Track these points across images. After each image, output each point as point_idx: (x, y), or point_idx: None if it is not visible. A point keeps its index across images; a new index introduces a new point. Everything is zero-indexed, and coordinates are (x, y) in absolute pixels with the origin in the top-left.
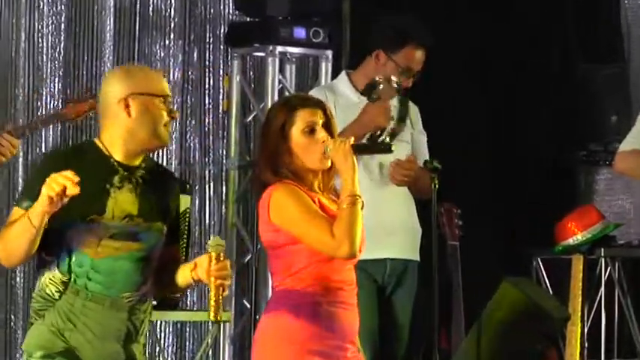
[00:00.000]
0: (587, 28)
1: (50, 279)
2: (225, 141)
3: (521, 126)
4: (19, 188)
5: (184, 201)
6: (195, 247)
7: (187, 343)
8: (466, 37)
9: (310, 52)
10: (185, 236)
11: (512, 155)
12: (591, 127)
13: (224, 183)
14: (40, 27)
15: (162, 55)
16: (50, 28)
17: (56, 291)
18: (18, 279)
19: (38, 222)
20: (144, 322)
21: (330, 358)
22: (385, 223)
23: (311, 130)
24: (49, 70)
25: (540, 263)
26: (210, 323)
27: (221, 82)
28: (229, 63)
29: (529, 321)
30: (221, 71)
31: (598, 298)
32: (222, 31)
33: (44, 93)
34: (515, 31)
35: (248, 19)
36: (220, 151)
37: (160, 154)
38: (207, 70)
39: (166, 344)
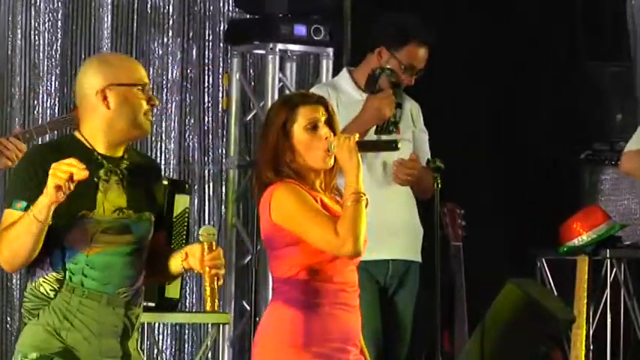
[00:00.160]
0: (592, 26)
1: (44, 278)
2: (224, 140)
3: (526, 125)
4: None
5: (183, 201)
6: None
7: (186, 346)
8: (468, 35)
9: (311, 49)
10: (184, 237)
11: (516, 155)
12: (596, 126)
13: (223, 183)
14: (36, 24)
15: (161, 52)
16: (47, 25)
17: (51, 290)
18: (14, 280)
19: (44, 216)
20: (138, 316)
21: None
22: (388, 223)
23: (313, 127)
24: (45, 68)
25: (545, 264)
26: (209, 325)
27: (220, 81)
28: (229, 61)
29: (533, 323)
30: (220, 69)
31: (603, 299)
32: (221, 28)
33: (41, 91)
34: (519, 29)
35: (248, 17)
36: (220, 151)
37: (159, 153)
38: (206, 68)
39: (165, 346)
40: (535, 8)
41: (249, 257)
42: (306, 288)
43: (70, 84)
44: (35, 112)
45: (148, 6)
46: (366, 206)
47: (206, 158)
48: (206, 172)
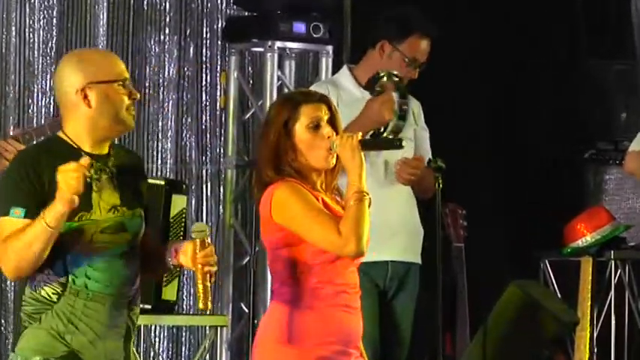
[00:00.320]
0: (595, 24)
1: (45, 281)
2: (222, 139)
3: (529, 124)
4: None
5: (180, 201)
6: None
7: (183, 349)
8: (468, 34)
9: (310, 47)
10: (181, 237)
11: (519, 154)
12: (600, 125)
13: (221, 183)
14: (31, 22)
15: (158, 50)
16: (42, 22)
17: (53, 293)
18: (9, 282)
19: (59, 223)
20: (138, 316)
21: None
22: (388, 223)
23: (316, 126)
24: (40, 67)
25: (548, 265)
26: (207, 328)
27: (218, 79)
28: (227, 59)
29: (536, 325)
30: (218, 67)
31: (607, 301)
32: (219, 25)
33: (35, 90)
34: (520, 28)
35: (246, 14)
36: (217, 150)
37: (156, 152)
38: (203, 66)
39: (161, 349)
40: (537, 6)
41: (248, 258)
42: (307, 289)
43: None
44: (30, 110)
45: (145, 3)
46: (369, 206)
47: (203, 158)
48: (203, 171)
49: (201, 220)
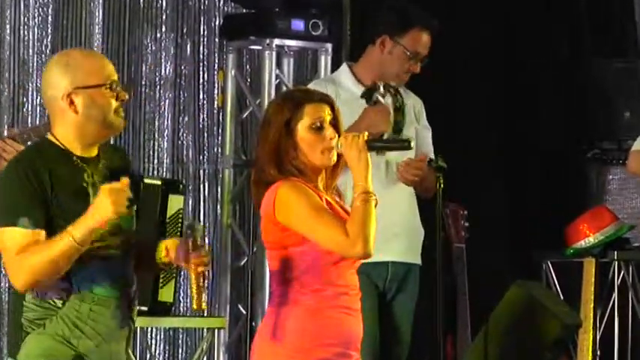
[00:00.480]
0: (598, 22)
1: (48, 287)
2: (219, 138)
3: (530, 123)
4: None
5: (177, 201)
6: None
7: (180, 351)
8: (470, 32)
9: (309, 45)
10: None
11: (521, 154)
12: (603, 124)
13: (219, 182)
14: (25, 19)
15: (154, 48)
16: (36, 20)
17: (58, 299)
18: (2, 283)
19: (87, 240)
20: (136, 317)
21: None
22: (390, 224)
23: (318, 127)
24: (35, 65)
25: (550, 267)
26: (204, 330)
27: (215, 77)
28: (224, 57)
29: (538, 327)
30: (215, 65)
31: (611, 303)
32: (216, 23)
33: (30, 88)
34: (524, 26)
35: (244, 11)
36: (215, 149)
37: (152, 152)
38: (200, 64)
39: (157, 352)
40: (539, 5)
41: (245, 259)
42: (308, 291)
43: None
44: (24, 109)
45: (141, 0)
46: (375, 206)
47: (201, 157)
48: (201, 171)
49: (199, 221)
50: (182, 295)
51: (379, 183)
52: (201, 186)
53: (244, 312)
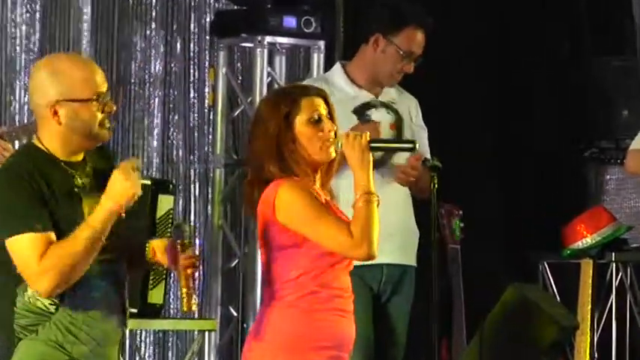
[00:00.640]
0: (596, 20)
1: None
2: (210, 137)
3: (527, 123)
4: None
5: (167, 201)
6: None
7: (170, 354)
8: (466, 31)
9: (301, 42)
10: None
11: (517, 153)
12: (601, 123)
13: (209, 182)
14: (13, 16)
15: (143, 46)
16: (24, 17)
17: (50, 304)
18: None
19: (107, 229)
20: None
21: None
22: (385, 225)
23: (316, 121)
24: (22, 63)
25: (547, 268)
26: (195, 332)
27: (206, 75)
28: (215, 54)
29: (535, 330)
30: (206, 63)
31: (608, 305)
32: (207, 20)
33: (17, 86)
34: (521, 25)
35: (235, 8)
36: (205, 149)
37: (141, 151)
38: (191, 62)
39: (147, 355)
40: (535, 3)
41: (237, 260)
42: (304, 293)
43: None
44: (12, 108)
45: None
46: (377, 206)
47: (191, 157)
48: (191, 171)
49: (189, 221)
50: (172, 297)
51: (376, 182)
52: (192, 186)
53: (235, 314)
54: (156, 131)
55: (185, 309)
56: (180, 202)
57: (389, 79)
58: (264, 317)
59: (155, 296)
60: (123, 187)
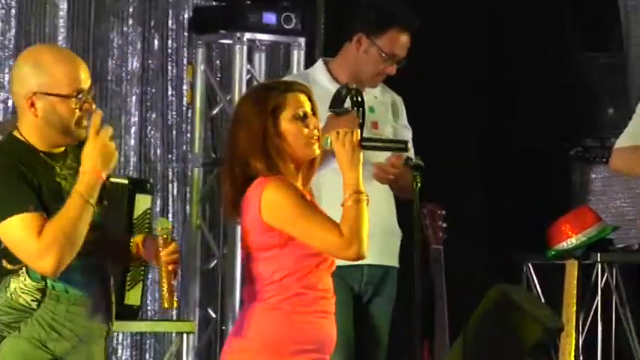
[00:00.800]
0: (582, 18)
1: (21, 288)
2: (188, 136)
3: (511, 121)
4: None
5: (144, 201)
6: None
7: (147, 356)
8: (451, 29)
9: (281, 39)
10: None
11: (500, 152)
12: (586, 121)
13: (188, 182)
14: None
15: (120, 42)
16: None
17: (32, 300)
18: None
19: (94, 197)
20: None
21: None
22: None
23: (302, 117)
24: None
25: (531, 269)
26: (173, 334)
27: (184, 72)
28: (193, 51)
29: (519, 331)
30: (184, 60)
31: (594, 306)
32: (185, 16)
33: None
34: (506, 23)
35: (214, 4)
36: (183, 147)
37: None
38: (169, 58)
39: (124, 357)
40: (522, 1)
41: (215, 261)
42: (289, 295)
43: None
44: None
45: None
46: (367, 205)
47: (169, 155)
48: (169, 170)
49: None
50: (150, 298)
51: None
52: (170, 185)
53: (214, 316)
54: (133, 129)
55: (167, 306)
56: (158, 202)
57: (370, 80)
58: (245, 318)
59: (132, 297)
60: (101, 151)
